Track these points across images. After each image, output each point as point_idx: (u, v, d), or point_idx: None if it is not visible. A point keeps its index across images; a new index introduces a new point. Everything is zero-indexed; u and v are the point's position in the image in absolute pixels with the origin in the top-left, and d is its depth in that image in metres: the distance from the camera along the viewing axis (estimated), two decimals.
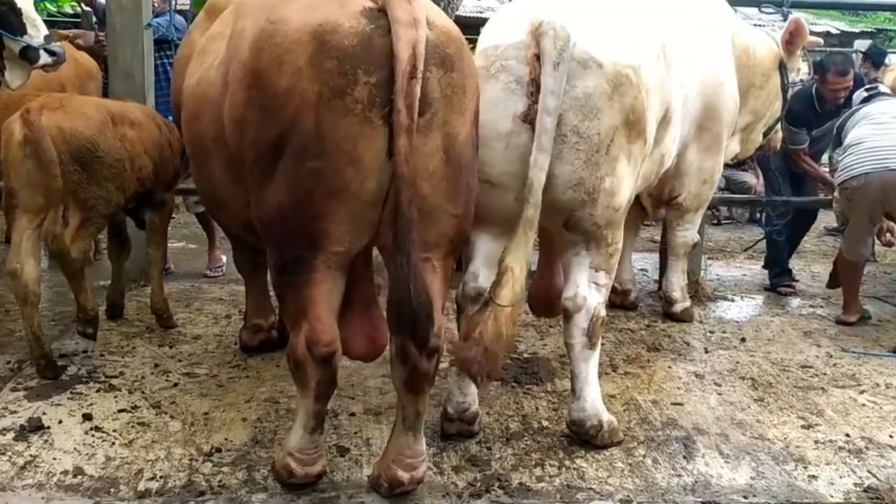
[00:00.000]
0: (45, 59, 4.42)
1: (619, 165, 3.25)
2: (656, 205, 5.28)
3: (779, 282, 6.22)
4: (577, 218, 3.28)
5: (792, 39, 5.37)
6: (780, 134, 5.88)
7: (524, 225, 3.10)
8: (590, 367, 3.44)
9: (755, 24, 6.85)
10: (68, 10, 10.70)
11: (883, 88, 5.74)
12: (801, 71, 5.77)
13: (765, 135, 5.73)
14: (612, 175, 3.23)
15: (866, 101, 5.52)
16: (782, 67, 5.40)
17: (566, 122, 3.14)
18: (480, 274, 3.41)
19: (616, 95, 3.18)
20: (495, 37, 3.34)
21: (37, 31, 4.43)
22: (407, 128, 2.56)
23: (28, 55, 4.36)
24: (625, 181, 3.30)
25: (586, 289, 3.37)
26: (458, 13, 9.54)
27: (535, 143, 3.07)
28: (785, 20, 6.11)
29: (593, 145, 3.18)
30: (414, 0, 2.66)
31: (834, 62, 6.02)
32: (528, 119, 3.14)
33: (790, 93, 5.60)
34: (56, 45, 4.50)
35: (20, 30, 4.37)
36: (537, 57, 3.13)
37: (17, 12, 4.38)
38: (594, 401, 3.45)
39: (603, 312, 3.41)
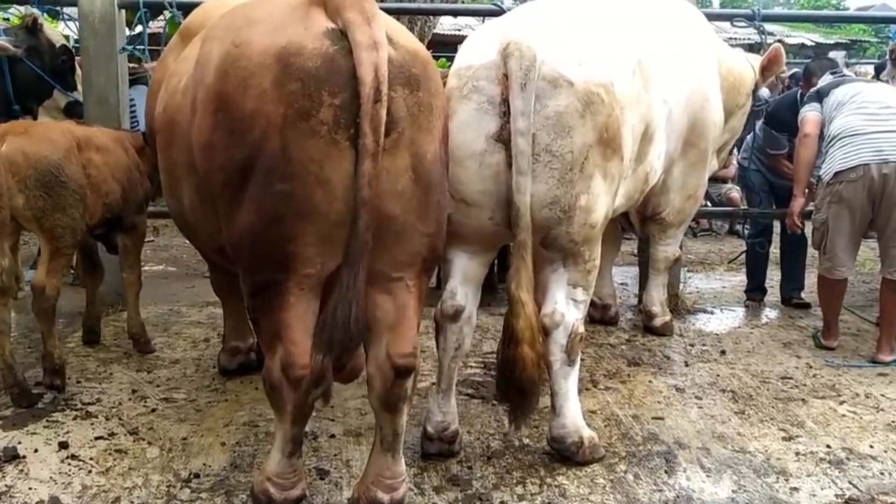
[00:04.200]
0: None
1: (594, 183, 3.25)
2: (643, 221, 5.24)
3: (751, 296, 6.29)
4: (553, 236, 3.28)
5: (769, 66, 5.41)
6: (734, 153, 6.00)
7: (519, 250, 3.12)
8: (569, 384, 3.43)
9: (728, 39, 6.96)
10: None
11: (848, 72, 5.54)
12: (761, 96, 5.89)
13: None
14: (587, 193, 3.24)
15: (835, 85, 5.21)
16: (754, 90, 5.44)
17: (539, 142, 3.14)
18: (458, 292, 3.41)
19: (588, 113, 3.19)
20: (468, 57, 3.36)
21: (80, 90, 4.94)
22: (373, 152, 2.54)
23: (74, 110, 4.64)
24: (601, 198, 3.31)
25: (564, 305, 3.37)
26: (435, 31, 9.64)
27: (514, 166, 3.08)
28: (759, 34, 6.21)
29: (567, 164, 3.18)
30: (374, 21, 2.64)
31: (821, 66, 6.01)
32: (501, 138, 3.16)
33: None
34: None
35: (73, 87, 4.84)
36: (507, 77, 3.14)
37: (74, 70, 4.83)
38: (574, 417, 3.44)
39: (581, 329, 3.41)
